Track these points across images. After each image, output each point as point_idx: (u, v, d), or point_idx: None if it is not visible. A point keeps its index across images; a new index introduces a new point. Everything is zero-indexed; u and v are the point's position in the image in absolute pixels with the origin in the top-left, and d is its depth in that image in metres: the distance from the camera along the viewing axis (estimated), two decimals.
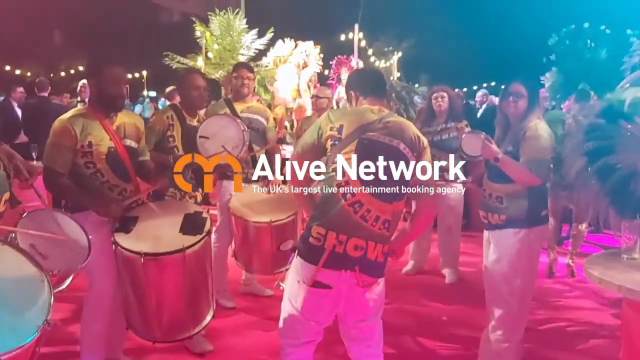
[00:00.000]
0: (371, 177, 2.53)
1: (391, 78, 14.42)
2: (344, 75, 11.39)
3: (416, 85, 18.23)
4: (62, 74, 22.48)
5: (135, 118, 3.47)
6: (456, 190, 5.23)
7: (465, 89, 26.65)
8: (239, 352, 3.84)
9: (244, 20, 12.24)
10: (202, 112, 4.34)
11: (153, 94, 21.93)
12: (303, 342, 2.67)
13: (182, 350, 3.77)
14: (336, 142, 2.57)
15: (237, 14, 12.24)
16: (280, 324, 2.70)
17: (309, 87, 9.92)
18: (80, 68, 21.65)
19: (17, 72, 20.89)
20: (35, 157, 5.91)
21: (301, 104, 9.53)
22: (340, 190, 2.51)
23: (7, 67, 19.84)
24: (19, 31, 19.64)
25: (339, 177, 2.53)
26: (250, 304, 4.64)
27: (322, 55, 10.78)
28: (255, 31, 12.22)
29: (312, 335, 2.66)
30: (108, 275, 3.14)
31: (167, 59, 12.50)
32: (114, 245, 3.05)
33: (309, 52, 10.51)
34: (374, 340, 2.70)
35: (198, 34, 12.18)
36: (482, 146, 3.33)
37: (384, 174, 2.55)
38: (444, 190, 5.08)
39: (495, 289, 3.33)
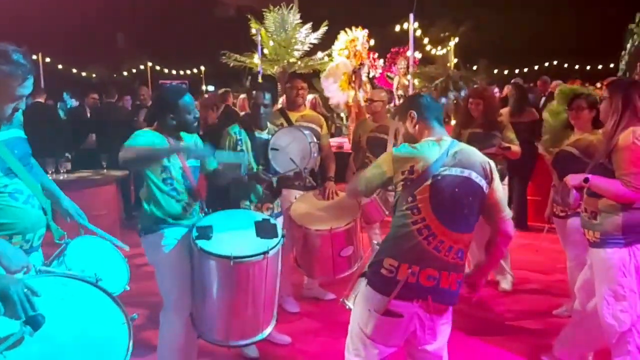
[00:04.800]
0: (447, 211, 2.53)
1: (448, 65, 14.14)
2: (401, 64, 11.28)
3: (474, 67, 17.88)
4: (125, 73, 23.21)
5: (194, 137, 3.58)
6: (505, 189, 5.15)
7: (526, 69, 25.94)
8: (304, 357, 3.92)
9: (298, 15, 12.31)
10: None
11: (211, 88, 22.32)
12: None
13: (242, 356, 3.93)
14: (408, 183, 2.57)
15: (291, 9, 12.31)
16: (348, 343, 2.71)
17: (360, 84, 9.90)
18: (142, 67, 22.32)
19: (83, 74, 21.73)
20: (104, 167, 6.10)
21: (357, 100, 9.54)
22: (416, 227, 2.52)
23: (74, 70, 20.66)
24: (83, 35, 20.44)
25: (416, 215, 2.53)
26: (312, 308, 4.73)
27: (371, 42, 10.68)
28: (309, 25, 12.27)
29: (379, 356, 2.67)
30: (184, 285, 3.27)
31: (224, 57, 12.76)
32: (198, 252, 3.14)
33: (356, 36, 10.42)
34: None
35: (253, 31, 12.31)
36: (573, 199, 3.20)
37: (460, 206, 2.55)
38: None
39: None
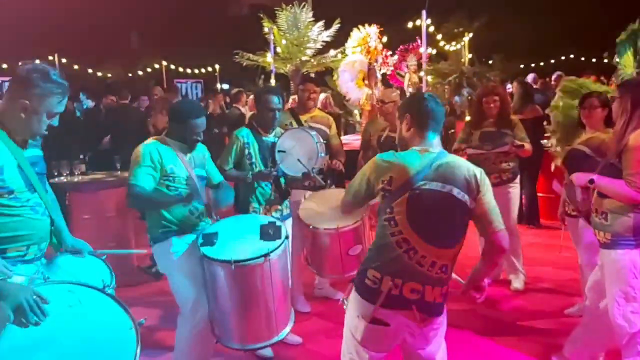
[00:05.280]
0: (426, 226, 2.46)
1: (462, 61, 14.06)
2: (411, 61, 11.22)
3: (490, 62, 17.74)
4: (140, 73, 23.32)
5: (203, 149, 3.65)
6: (514, 191, 5.13)
7: (542, 63, 25.65)
8: (315, 356, 3.95)
9: (310, 13, 12.29)
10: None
11: (226, 86, 22.38)
12: None
13: (257, 356, 3.96)
14: (387, 194, 2.51)
15: (303, 7, 12.31)
16: (343, 347, 2.69)
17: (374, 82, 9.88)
18: (157, 66, 22.43)
19: (99, 74, 21.90)
20: (118, 168, 6.14)
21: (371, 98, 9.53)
22: (394, 239, 2.47)
23: (90, 70, 20.83)
24: (98, 36, 20.60)
25: (393, 227, 2.47)
26: (324, 308, 4.75)
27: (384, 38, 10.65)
28: (321, 23, 12.25)
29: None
30: (198, 290, 3.32)
31: (237, 56, 12.80)
32: (202, 259, 3.21)
33: (368, 33, 10.40)
34: None
35: (266, 29, 12.32)
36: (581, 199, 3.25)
37: (439, 222, 2.47)
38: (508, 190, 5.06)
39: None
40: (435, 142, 2.61)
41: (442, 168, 2.50)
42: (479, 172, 2.55)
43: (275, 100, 3.97)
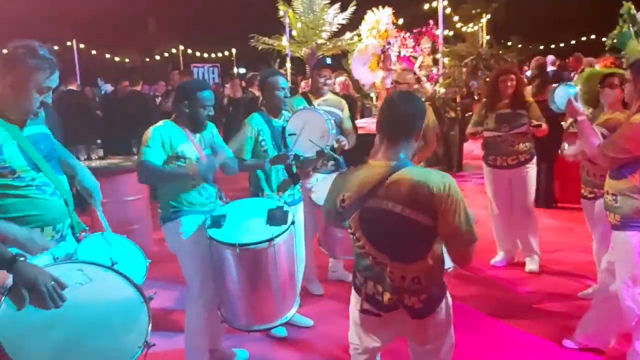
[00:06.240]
0: (383, 243, 2.33)
1: (479, 43, 13.89)
2: (426, 44, 11.10)
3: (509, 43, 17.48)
4: (157, 57, 23.46)
5: (212, 127, 3.65)
6: (531, 172, 5.09)
7: (562, 44, 25.24)
8: (328, 338, 3.99)
9: None
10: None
11: (243, 70, 22.41)
12: (364, 350, 2.61)
13: (272, 337, 4.03)
14: (342, 212, 2.39)
15: None
16: (350, 329, 2.68)
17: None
18: (174, 51, 22.52)
19: (117, 59, 22.07)
20: (135, 153, 6.19)
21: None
22: (362, 251, 2.40)
23: (107, 55, 21.01)
24: (116, 21, 20.71)
25: (357, 242, 2.40)
26: (337, 290, 4.78)
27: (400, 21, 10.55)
28: (337, 6, 12.18)
29: (374, 344, 2.59)
30: (206, 270, 3.36)
31: (252, 40, 12.80)
32: (209, 241, 3.25)
33: (380, 17, 10.31)
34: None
35: (281, 12, 12.28)
36: (567, 102, 3.35)
37: (393, 238, 2.30)
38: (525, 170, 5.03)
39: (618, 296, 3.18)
40: (398, 152, 2.34)
41: (393, 185, 2.26)
42: (440, 186, 2.19)
43: (280, 80, 3.95)
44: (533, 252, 5.19)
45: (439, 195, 2.18)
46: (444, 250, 2.39)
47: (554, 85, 4.02)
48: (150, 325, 2.11)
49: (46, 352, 1.92)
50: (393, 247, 2.31)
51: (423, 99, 6.67)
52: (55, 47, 2.62)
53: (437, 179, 2.21)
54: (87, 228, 2.74)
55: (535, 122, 4.87)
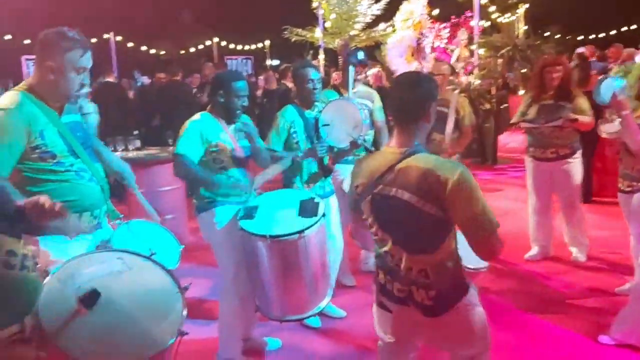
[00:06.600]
0: (392, 231, 2.31)
1: (515, 33, 13.62)
2: (463, 36, 10.97)
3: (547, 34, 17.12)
4: (192, 50, 23.69)
5: (246, 119, 3.67)
6: (571, 167, 4.98)
7: (602, 34, 24.58)
8: (359, 329, 4.00)
9: None
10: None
11: (276, 62, 22.47)
12: (387, 343, 2.57)
13: (305, 326, 4.06)
14: (357, 199, 2.40)
15: None
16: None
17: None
18: (208, 43, 22.70)
19: (152, 51, 22.38)
20: (170, 144, 6.31)
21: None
22: (376, 238, 2.39)
23: (143, 48, 21.32)
24: (151, 14, 20.97)
25: (370, 227, 2.39)
26: (369, 282, 4.74)
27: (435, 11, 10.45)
28: None
29: (388, 339, 2.55)
30: (239, 260, 3.41)
31: (286, 32, 12.83)
32: (241, 232, 3.28)
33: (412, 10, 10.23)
34: None
35: (315, 4, 12.27)
36: (612, 95, 3.32)
37: (402, 228, 2.27)
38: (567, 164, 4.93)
39: None
40: (411, 139, 2.29)
41: (402, 171, 2.21)
42: (452, 175, 2.10)
43: (311, 72, 3.95)
44: (580, 242, 5.12)
45: (449, 184, 2.09)
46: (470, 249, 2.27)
47: (601, 77, 3.95)
48: (185, 313, 2.16)
49: (85, 336, 1.98)
50: (402, 236, 2.28)
51: (457, 91, 6.63)
52: (93, 40, 2.69)
53: (448, 167, 2.14)
54: (122, 216, 2.82)
55: (572, 116, 4.72)
